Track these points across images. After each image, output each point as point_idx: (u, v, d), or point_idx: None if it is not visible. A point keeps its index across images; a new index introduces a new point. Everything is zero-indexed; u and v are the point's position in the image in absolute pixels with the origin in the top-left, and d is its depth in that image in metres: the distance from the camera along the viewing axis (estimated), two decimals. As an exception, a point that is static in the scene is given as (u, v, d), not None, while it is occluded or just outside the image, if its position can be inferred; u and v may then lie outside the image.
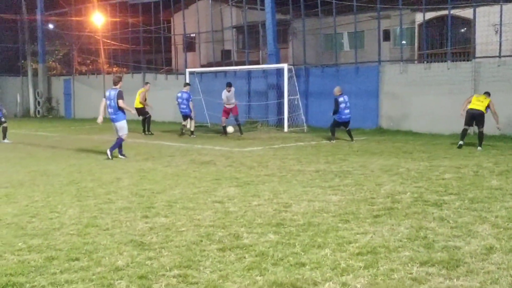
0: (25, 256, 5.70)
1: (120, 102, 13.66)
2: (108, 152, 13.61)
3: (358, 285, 4.74)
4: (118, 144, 13.90)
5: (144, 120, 21.78)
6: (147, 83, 23.48)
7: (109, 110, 13.84)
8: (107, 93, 14.00)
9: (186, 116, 20.57)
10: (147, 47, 33.87)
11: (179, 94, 20.52)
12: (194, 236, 6.39)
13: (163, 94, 27.55)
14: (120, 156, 13.88)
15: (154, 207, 8.01)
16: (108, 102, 13.83)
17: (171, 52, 38.44)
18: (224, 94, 20.68)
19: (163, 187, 9.66)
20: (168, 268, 5.27)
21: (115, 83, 14.00)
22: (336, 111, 17.86)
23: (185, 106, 20.32)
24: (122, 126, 13.89)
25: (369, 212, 7.50)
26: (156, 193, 9.10)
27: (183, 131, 20.73)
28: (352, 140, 17.70)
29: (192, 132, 20.32)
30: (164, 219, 7.24)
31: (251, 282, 4.86)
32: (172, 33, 36.82)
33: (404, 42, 32.34)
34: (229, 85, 20.83)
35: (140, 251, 5.84)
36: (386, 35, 33.89)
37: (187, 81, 23.45)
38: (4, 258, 5.65)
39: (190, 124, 20.49)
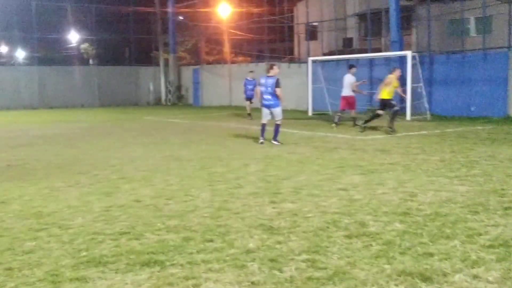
0: (164, 236, 6.09)
1: (278, 90, 14.31)
2: (274, 142, 14.48)
3: (490, 278, 4.66)
4: (278, 130, 14.66)
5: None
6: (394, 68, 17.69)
7: (265, 96, 14.55)
8: (262, 81, 14.67)
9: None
10: (270, 37, 34.39)
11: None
12: (320, 222, 6.53)
13: (285, 83, 27.80)
14: (273, 141, 14.55)
15: (280, 193, 8.24)
16: (263, 89, 14.54)
17: (294, 41, 38.76)
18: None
19: (289, 173, 9.89)
20: (297, 252, 5.41)
21: (267, 71, 14.64)
22: None
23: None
24: (278, 112, 14.57)
25: (499, 204, 7.27)
26: (282, 179, 9.34)
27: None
28: None
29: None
30: (291, 205, 7.44)
31: (379, 270, 4.90)
32: (295, 22, 37.06)
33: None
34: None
35: (269, 235, 6.05)
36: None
37: (310, 69, 23.67)
38: (145, 237, 6.08)
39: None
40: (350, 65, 20.04)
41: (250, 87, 23.78)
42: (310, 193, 8.20)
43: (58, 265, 5.24)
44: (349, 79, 19.19)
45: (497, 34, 29.29)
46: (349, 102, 19.20)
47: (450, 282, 4.62)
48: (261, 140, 14.54)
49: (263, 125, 14.70)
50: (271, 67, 14.59)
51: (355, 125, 18.86)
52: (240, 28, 35.31)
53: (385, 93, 16.47)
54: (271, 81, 14.30)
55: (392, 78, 16.47)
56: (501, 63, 21.11)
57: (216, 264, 5.15)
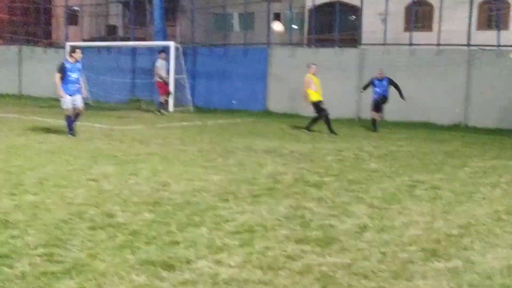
0: None
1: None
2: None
3: (232, 263, 4.67)
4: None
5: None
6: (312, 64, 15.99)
7: None
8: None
9: None
10: (25, 18, 31.99)
11: None
12: (64, 214, 6.05)
13: (41, 68, 26.16)
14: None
15: (22, 184, 7.51)
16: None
17: (52, 25, 36.62)
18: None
19: (35, 164, 9.10)
20: (32, 246, 4.98)
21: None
22: None
23: None
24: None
25: (249, 192, 7.46)
26: (27, 169, 8.54)
27: None
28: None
29: None
30: (32, 197, 6.80)
31: (121, 260, 4.68)
32: (53, 4, 34.99)
33: (294, 26, 32.85)
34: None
35: (3, 229, 5.46)
36: (277, 18, 34.21)
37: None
38: None
39: None
40: (160, 51, 20.77)
41: None
42: (56, 184, 7.59)
43: None
44: (158, 64, 20.26)
45: (259, 30, 30.89)
46: (161, 87, 20.30)
47: (193, 268, 4.56)
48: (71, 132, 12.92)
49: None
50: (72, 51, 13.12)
51: (158, 110, 19.82)
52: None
53: (313, 94, 15.34)
54: None
55: (309, 77, 15.47)
56: (261, 59, 22.15)
57: None
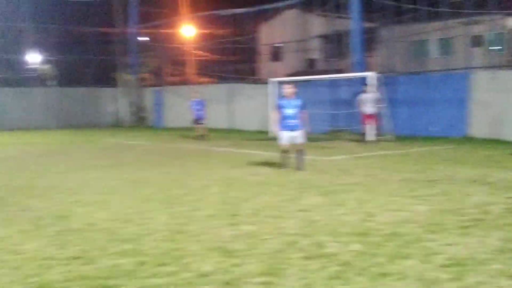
0: (117, 260, 5.93)
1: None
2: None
3: (444, 297, 4.66)
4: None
5: None
6: None
7: None
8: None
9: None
10: (234, 57, 34.48)
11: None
12: (278, 244, 6.45)
13: (249, 104, 27.93)
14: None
15: (239, 214, 8.14)
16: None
17: (258, 62, 38.93)
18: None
19: (249, 195, 9.79)
20: (252, 275, 5.34)
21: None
22: None
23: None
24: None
25: (457, 223, 7.30)
26: (242, 201, 9.23)
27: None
28: None
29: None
30: (249, 227, 7.34)
31: (334, 291, 4.88)
32: (259, 43, 37.21)
33: (496, 47, 31.24)
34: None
35: (225, 257, 5.95)
36: (477, 41, 32.78)
37: (272, 90, 23.82)
38: (98, 261, 5.91)
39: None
40: (364, 84, 21.58)
41: (197, 107, 23.99)
42: (269, 214, 8.11)
43: (5, 291, 5.05)
44: (361, 97, 21.11)
45: (458, 55, 29.93)
46: (367, 119, 20.97)
47: (405, 302, 4.60)
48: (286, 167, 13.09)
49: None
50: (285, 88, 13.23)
51: (365, 140, 20.48)
52: (204, 49, 35.36)
53: None
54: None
55: None
56: (461, 84, 21.48)
57: (170, 289, 5.03)
